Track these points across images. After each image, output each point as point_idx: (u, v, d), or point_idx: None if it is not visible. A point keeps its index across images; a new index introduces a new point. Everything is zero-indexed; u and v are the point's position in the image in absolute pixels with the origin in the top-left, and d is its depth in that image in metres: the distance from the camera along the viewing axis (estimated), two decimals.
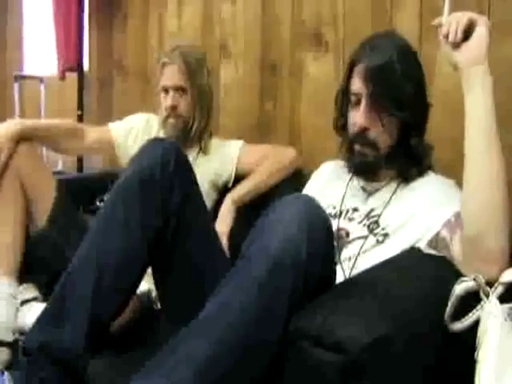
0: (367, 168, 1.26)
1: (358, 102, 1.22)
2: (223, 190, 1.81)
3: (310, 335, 0.78)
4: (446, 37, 1.05)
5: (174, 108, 1.76)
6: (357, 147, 1.24)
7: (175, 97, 1.76)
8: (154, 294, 1.45)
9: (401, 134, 1.22)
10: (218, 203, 1.74)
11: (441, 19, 1.08)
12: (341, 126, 1.31)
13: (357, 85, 1.21)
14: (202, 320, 0.89)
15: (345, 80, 1.26)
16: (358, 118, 1.21)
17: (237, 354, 0.85)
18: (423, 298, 0.92)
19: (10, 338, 1.35)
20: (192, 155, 1.79)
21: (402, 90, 1.17)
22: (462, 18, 1.03)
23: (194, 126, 1.79)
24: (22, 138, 1.56)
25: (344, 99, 1.28)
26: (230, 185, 1.81)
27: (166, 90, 1.78)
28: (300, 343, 0.80)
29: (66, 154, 1.93)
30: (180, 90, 1.76)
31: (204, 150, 1.83)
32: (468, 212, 1.01)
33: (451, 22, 1.04)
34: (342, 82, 1.29)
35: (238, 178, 1.79)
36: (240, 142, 1.84)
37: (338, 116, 1.32)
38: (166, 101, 1.77)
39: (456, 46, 1.04)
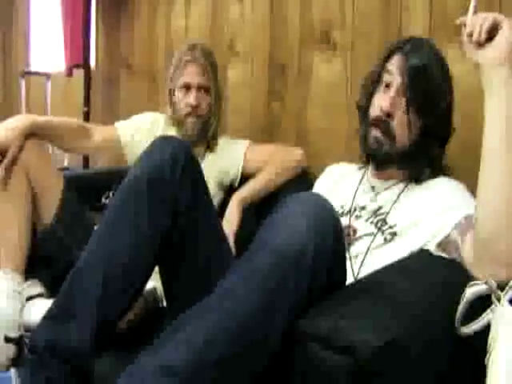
0: (379, 155, 1.26)
1: (389, 85, 1.23)
2: (229, 190, 1.81)
3: (320, 338, 0.78)
4: (470, 36, 1.04)
5: (196, 107, 1.75)
6: (374, 132, 1.24)
7: (198, 96, 1.75)
8: (159, 291, 1.45)
9: (420, 138, 1.23)
10: (224, 203, 1.74)
11: (465, 18, 1.07)
12: (364, 107, 1.31)
13: (395, 69, 1.23)
14: (202, 305, 0.89)
15: (381, 61, 1.27)
16: (385, 101, 1.23)
17: (235, 341, 0.85)
18: (435, 302, 0.91)
19: (15, 333, 1.35)
20: (199, 153, 1.78)
21: (436, 97, 1.21)
22: (487, 18, 1.03)
23: (212, 126, 1.79)
24: (31, 133, 1.56)
25: (374, 81, 1.28)
26: (237, 184, 1.81)
27: (188, 88, 1.76)
28: (309, 345, 0.79)
29: (72, 153, 1.94)
30: (203, 89, 1.75)
31: (211, 149, 1.82)
32: (482, 214, 1.01)
33: (475, 21, 1.04)
34: (377, 63, 1.29)
35: (245, 178, 1.79)
36: (247, 142, 1.84)
37: (363, 96, 1.32)
38: (189, 99, 1.75)
39: (479, 45, 1.03)
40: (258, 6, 2.05)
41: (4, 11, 3.78)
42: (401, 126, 1.22)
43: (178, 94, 1.78)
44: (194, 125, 1.77)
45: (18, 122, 1.55)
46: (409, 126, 1.22)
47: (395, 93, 1.22)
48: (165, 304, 1.38)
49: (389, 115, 1.22)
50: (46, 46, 3.43)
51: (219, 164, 1.80)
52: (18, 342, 1.34)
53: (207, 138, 1.81)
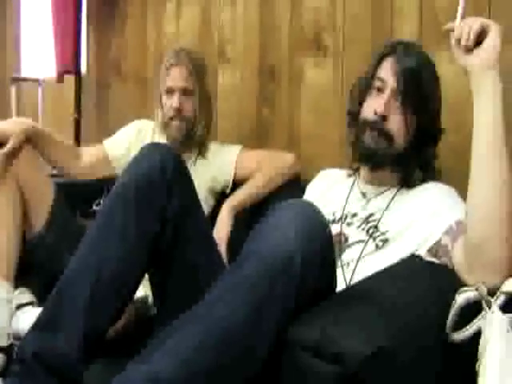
0: (376, 155, 1.24)
1: (382, 90, 1.23)
2: (221, 196, 1.80)
3: (309, 346, 0.77)
4: (458, 41, 1.05)
5: (180, 110, 1.75)
6: (370, 132, 1.23)
7: (182, 98, 1.75)
8: (150, 299, 1.44)
9: (415, 139, 1.23)
10: (216, 209, 1.73)
11: (453, 24, 1.08)
12: (354, 112, 1.31)
13: (387, 74, 1.23)
14: (191, 313, 0.89)
15: (372, 68, 1.27)
16: (379, 104, 1.22)
17: (223, 349, 0.84)
18: (425, 308, 0.90)
19: (4, 342, 1.34)
20: (190, 159, 1.78)
21: (429, 97, 1.22)
22: (475, 22, 1.03)
23: (197, 130, 1.78)
24: (29, 137, 1.56)
25: (366, 86, 1.28)
26: (228, 190, 1.80)
27: (171, 92, 1.76)
28: (298, 353, 0.78)
29: (59, 170, 1.88)
30: (187, 91, 1.76)
31: (202, 154, 1.82)
32: (473, 219, 1.00)
33: (464, 26, 1.04)
34: (368, 69, 1.29)
35: (236, 184, 1.78)
36: (239, 147, 1.83)
37: (354, 101, 1.32)
38: (172, 102, 1.75)
39: (468, 50, 1.04)
40: (248, 11, 2.04)
41: None
42: (397, 127, 1.22)
43: (164, 98, 1.79)
44: (179, 127, 1.77)
45: (22, 120, 1.57)
46: (406, 126, 1.21)
47: (389, 96, 1.22)
48: (155, 311, 1.37)
49: (384, 118, 1.22)
50: (37, 51, 3.41)
51: (210, 170, 1.80)
52: (7, 350, 1.33)
53: (193, 140, 1.80)
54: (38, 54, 3.41)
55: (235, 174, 1.79)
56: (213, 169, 1.80)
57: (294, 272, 0.87)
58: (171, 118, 1.76)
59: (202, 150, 1.81)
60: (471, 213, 1.01)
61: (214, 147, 1.84)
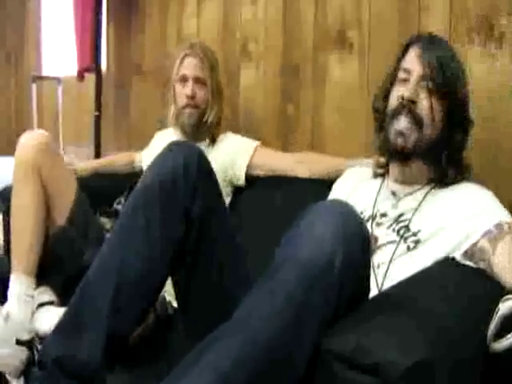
0: (407, 147, 1.18)
1: (408, 79, 1.20)
2: (237, 188, 1.81)
3: (344, 356, 0.73)
4: None
5: (192, 98, 1.77)
6: (400, 122, 1.18)
7: (194, 87, 1.78)
8: (167, 298, 1.43)
9: (444, 127, 1.18)
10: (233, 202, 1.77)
11: None
12: (381, 108, 1.27)
13: (412, 63, 1.20)
14: (227, 327, 0.84)
15: (397, 59, 1.24)
16: (407, 89, 1.18)
17: (262, 362, 0.79)
18: (463, 316, 0.86)
19: (27, 337, 1.33)
20: (202, 147, 1.78)
21: (456, 84, 1.18)
22: None
23: (208, 119, 1.80)
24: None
25: (391, 79, 1.25)
26: (242, 182, 1.79)
27: (185, 80, 1.79)
28: (332, 365, 0.74)
29: None
30: (199, 81, 1.78)
31: (213, 142, 1.83)
32: None
33: None
34: (393, 63, 1.26)
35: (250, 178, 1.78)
36: (255, 143, 1.82)
37: (381, 98, 1.28)
38: (185, 90, 1.78)
39: None
40: (271, 6, 2.01)
41: (16, 16, 3.77)
42: (425, 112, 1.17)
43: (177, 87, 1.81)
44: (191, 115, 1.79)
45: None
46: (434, 112, 1.16)
47: (416, 81, 1.18)
48: (174, 304, 1.34)
49: (412, 102, 1.17)
50: (57, 50, 3.42)
51: (224, 156, 1.78)
52: (29, 345, 1.32)
53: (204, 129, 1.81)
54: (58, 52, 3.42)
55: (248, 166, 1.77)
56: (227, 155, 1.79)
57: (333, 276, 0.82)
58: (184, 107, 1.79)
59: (212, 139, 1.83)
60: None
61: (230, 136, 1.86)
